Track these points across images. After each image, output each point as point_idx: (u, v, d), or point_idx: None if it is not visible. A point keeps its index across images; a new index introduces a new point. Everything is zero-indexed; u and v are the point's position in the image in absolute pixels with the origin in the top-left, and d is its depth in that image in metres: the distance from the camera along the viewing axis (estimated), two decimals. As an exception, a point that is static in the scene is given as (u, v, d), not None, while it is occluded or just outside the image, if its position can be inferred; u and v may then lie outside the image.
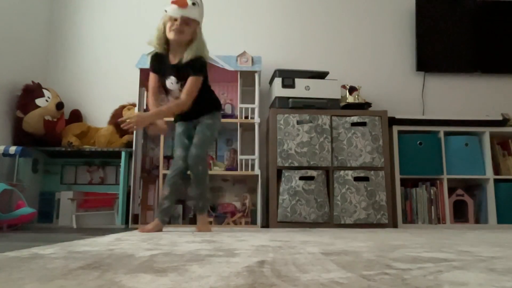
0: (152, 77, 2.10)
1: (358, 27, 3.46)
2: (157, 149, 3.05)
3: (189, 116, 2.14)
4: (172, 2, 1.91)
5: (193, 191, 2.18)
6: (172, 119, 2.26)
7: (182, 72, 2.02)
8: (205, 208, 2.20)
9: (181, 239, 1.40)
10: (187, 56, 1.98)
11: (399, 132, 2.87)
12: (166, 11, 1.95)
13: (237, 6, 3.44)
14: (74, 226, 2.64)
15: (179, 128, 2.20)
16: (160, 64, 2.07)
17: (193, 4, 1.94)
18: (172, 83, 2.06)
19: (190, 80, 2.00)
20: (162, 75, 2.09)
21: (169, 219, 2.25)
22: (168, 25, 1.96)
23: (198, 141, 2.09)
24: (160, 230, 2.06)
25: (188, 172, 2.12)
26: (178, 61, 2.03)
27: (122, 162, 2.83)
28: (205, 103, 2.14)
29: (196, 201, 2.18)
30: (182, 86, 2.03)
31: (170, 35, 1.96)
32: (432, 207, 2.83)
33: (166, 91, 2.14)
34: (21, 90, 2.80)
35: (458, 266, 0.73)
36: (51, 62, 3.27)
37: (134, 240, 1.36)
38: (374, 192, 2.68)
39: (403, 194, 2.84)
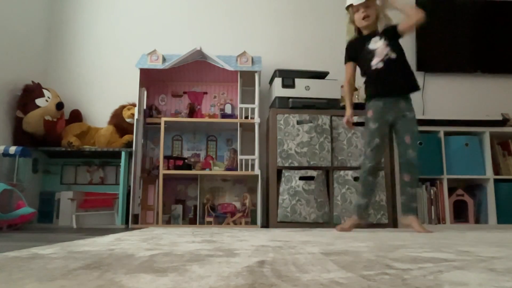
0: (349, 66, 2.28)
1: (358, 27, 3.45)
2: (157, 149, 3.05)
3: (393, 88, 2.13)
4: None
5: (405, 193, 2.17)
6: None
7: (383, 32, 2.17)
8: (416, 209, 2.18)
9: (181, 239, 1.40)
10: (385, 26, 2.19)
11: (399, 132, 2.87)
12: (351, 5, 2.20)
13: (237, 7, 3.44)
14: (74, 226, 2.64)
15: (377, 107, 2.15)
16: (354, 49, 2.25)
17: None
18: (375, 42, 2.16)
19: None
20: (359, 51, 2.22)
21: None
22: (356, 16, 2.20)
23: (412, 139, 2.12)
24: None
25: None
26: (372, 31, 2.21)
27: (122, 162, 2.83)
28: (411, 77, 2.16)
29: (408, 201, 2.16)
30: (387, 42, 2.13)
31: (362, 23, 2.19)
32: (432, 207, 2.83)
33: (367, 65, 2.18)
34: (21, 90, 2.81)
35: (458, 266, 0.73)
36: (51, 62, 3.27)
37: (134, 240, 1.36)
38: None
39: (403, 194, 2.84)
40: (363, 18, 2.17)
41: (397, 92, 2.14)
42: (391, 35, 2.16)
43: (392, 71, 2.12)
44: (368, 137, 2.16)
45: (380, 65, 2.12)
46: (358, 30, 2.26)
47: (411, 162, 2.11)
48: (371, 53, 2.16)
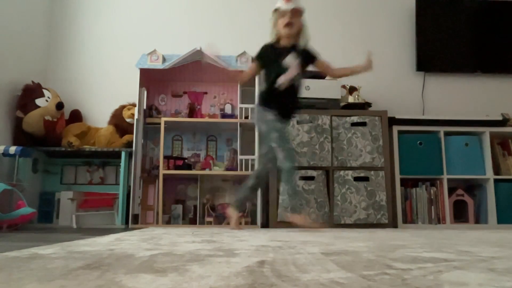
0: (255, 66, 2.21)
1: (358, 27, 3.46)
2: (157, 149, 3.05)
3: (285, 113, 2.17)
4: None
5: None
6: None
7: (301, 53, 2.12)
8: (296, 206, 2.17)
9: (181, 239, 1.40)
10: (303, 43, 2.14)
11: (399, 132, 2.87)
12: (278, 8, 2.10)
13: (237, 7, 3.44)
14: (74, 226, 2.64)
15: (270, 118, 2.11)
16: (268, 55, 2.15)
17: None
18: (291, 59, 2.08)
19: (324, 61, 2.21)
20: (270, 59, 2.14)
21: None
22: (279, 21, 2.10)
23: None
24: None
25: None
26: (292, 45, 2.12)
27: (122, 162, 2.83)
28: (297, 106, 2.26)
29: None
30: (300, 66, 2.09)
31: (284, 30, 2.08)
32: (432, 207, 2.83)
33: (273, 78, 2.09)
34: (21, 90, 2.81)
35: (458, 266, 0.73)
36: (51, 62, 3.27)
37: (134, 240, 1.36)
38: (374, 192, 2.68)
39: (403, 194, 2.84)
40: (286, 25, 2.06)
41: (287, 118, 2.20)
42: (306, 62, 2.14)
43: (289, 95, 2.12)
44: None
45: (284, 85, 2.07)
46: (277, 39, 2.15)
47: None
48: (283, 69, 2.07)
